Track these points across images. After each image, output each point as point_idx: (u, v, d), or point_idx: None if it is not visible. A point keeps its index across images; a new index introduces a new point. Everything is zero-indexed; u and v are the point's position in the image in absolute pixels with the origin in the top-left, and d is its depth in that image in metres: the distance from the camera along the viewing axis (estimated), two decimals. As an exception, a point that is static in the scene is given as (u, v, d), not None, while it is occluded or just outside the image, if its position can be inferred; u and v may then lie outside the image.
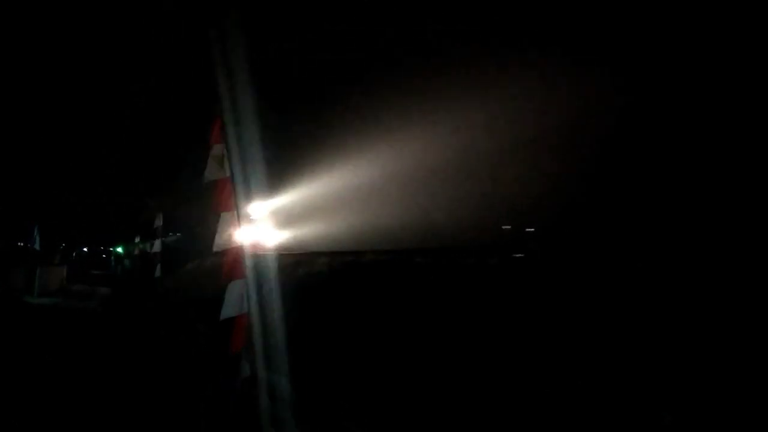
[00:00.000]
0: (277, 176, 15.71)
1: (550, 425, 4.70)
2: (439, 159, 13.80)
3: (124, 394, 6.14)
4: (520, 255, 8.14)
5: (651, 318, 5.14)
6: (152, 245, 14.82)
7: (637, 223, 8.85)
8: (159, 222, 14.78)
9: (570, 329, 5.50)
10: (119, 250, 29.80)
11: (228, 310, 4.71)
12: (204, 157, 5.03)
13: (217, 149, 5.08)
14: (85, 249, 32.92)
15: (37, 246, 16.71)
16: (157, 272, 13.94)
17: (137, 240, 21.51)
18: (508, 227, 12.34)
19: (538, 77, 11.79)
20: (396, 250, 10.81)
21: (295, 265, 11.72)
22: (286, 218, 16.28)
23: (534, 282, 6.77)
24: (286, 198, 15.96)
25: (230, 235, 4.91)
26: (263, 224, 15.85)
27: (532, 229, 11.53)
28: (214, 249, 4.88)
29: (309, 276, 10.97)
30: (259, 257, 9.80)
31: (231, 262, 4.80)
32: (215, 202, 5.00)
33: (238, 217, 5.06)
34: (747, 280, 5.10)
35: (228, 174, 5.06)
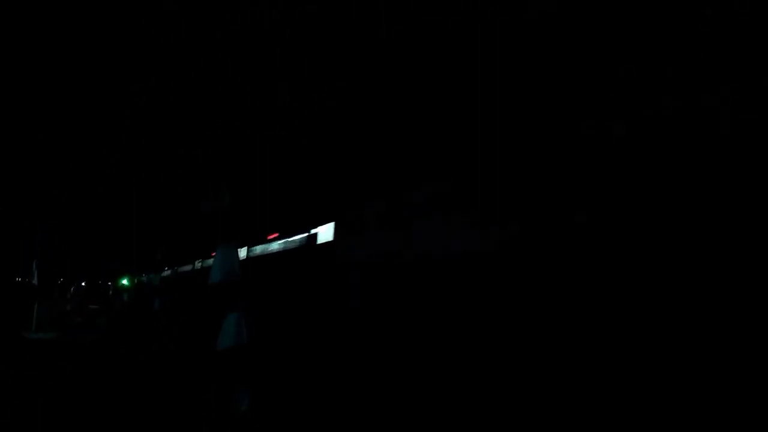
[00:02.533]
0: None
1: None
2: None
3: (119, 426, 6.05)
4: None
5: None
6: (151, 279, 14.81)
7: None
8: (159, 256, 14.84)
9: None
10: (119, 283, 29.71)
11: (225, 341, 4.74)
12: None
13: (218, 181, 5.20)
14: (83, 283, 32.81)
15: (35, 281, 16.64)
16: (156, 305, 13.90)
17: (136, 274, 21.47)
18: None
19: None
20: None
21: None
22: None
23: None
24: None
25: (231, 267, 4.97)
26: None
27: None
28: (218, 280, 4.92)
29: None
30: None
31: (233, 293, 4.85)
32: (215, 235, 5.08)
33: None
34: None
35: (228, 205, 5.16)
